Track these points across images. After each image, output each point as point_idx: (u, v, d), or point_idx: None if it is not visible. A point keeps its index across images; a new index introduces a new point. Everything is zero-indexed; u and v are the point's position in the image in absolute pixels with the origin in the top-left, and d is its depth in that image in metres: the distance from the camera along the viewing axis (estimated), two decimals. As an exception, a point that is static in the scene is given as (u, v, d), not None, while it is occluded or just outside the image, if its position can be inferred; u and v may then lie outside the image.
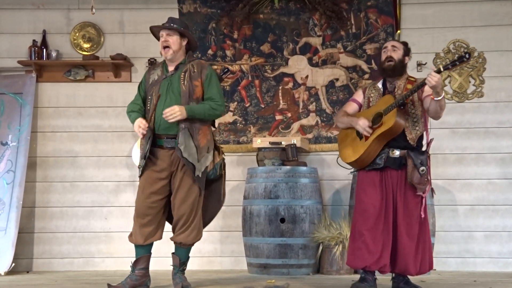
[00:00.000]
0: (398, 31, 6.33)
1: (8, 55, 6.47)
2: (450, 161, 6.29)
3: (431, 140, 4.57)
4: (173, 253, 4.70)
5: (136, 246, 4.65)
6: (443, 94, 4.34)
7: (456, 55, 4.49)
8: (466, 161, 6.28)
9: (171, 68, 4.68)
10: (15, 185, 6.14)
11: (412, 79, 4.57)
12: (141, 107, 4.71)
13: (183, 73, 4.62)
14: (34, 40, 6.40)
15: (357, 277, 4.66)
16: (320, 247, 5.78)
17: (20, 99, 6.36)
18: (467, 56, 4.27)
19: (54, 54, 6.40)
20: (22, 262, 6.24)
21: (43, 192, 6.39)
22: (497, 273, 5.95)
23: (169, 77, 4.63)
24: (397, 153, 4.44)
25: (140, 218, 4.60)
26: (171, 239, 4.67)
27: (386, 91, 4.57)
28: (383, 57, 4.57)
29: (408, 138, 4.45)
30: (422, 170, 4.38)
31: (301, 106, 6.38)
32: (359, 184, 4.56)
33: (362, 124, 4.45)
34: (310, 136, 6.34)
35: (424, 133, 4.55)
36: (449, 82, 6.33)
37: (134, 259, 4.67)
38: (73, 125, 6.46)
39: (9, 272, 5.90)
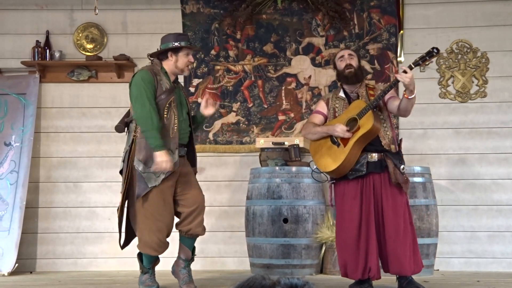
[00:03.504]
0: (401, 32, 6.33)
1: (11, 55, 6.48)
2: (453, 161, 6.28)
3: (401, 140, 4.65)
4: (182, 246, 4.75)
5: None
6: (415, 93, 4.38)
7: (425, 52, 4.52)
8: (469, 161, 6.28)
9: (172, 79, 4.75)
10: (19, 185, 6.15)
11: (371, 85, 4.71)
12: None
13: (181, 89, 4.82)
14: (37, 41, 6.41)
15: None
16: (323, 248, 5.78)
17: (24, 99, 6.37)
18: (435, 51, 4.37)
19: (57, 54, 6.41)
20: (25, 262, 6.25)
21: (47, 192, 6.39)
22: (500, 273, 5.94)
23: (175, 89, 4.72)
24: (375, 156, 4.50)
25: (163, 231, 4.61)
26: (185, 229, 4.66)
27: (350, 100, 4.65)
28: (342, 65, 4.67)
29: (383, 144, 4.53)
30: (403, 168, 4.46)
31: (304, 106, 6.38)
32: (339, 194, 4.58)
33: (340, 129, 4.48)
34: (313, 136, 6.33)
35: (393, 135, 4.62)
36: (452, 82, 6.33)
37: (147, 263, 4.76)
38: (76, 125, 6.47)
39: (13, 273, 5.90)
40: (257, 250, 5.77)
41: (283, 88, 6.41)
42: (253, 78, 6.42)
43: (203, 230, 4.71)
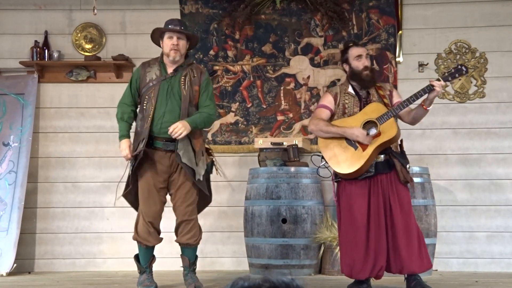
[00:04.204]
0: (400, 32, 6.33)
1: (10, 55, 6.48)
2: (452, 161, 6.29)
3: (401, 140, 4.62)
4: (181, 255, 4.74)
5: (147, 248, 4.71)
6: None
7: (453, 68, 4.53)
8: (468, 161, 6.28)
9: (170, 69, 4.69)
10: (17, 185, 6.15)
11: (379, 84, 4.65)
12: (132, 111, 4.76)
13: (183, 77, 4.66)
14: (36, 41, 6.40)
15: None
16: (322, 248, 5.78)
17: (22, 99, 6.36)
18: (464, 69, 4.39)
19: (56, 54, 6.41)
20: (24, 262, 6.24)
21: (45, 192, 6.39)
22: (499, 273, 5.95)
23: (168, 78, 4.65)
24: (382, 157, 4.49)
25: (151, 223, 4.66)
26: (177, 241, 4.71)
27: (360, 97, 4.57)
28: (360, 65, 4.55)
29: (391, 145, 4.51)
30: (409, 167, 4.49)
31: (302, 107, 6.38)
32: (346, 195, 4.53)
33: (361, 134, 4.40)
34: (311, 136, 6.33)
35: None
36: (451, 83, 6.33)
37: (145, 261, 4.74)
38: (75, 125, 6.46)
39: (11, 273, 5.90)
40: (255, 250, 5.77)
41: (282, 88, 6.41)
42: (251, 78, 6.42)
43: (194, 240, 4.69)
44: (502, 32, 6.31)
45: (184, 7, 6.45)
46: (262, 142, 6.05)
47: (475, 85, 6.32)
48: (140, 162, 4.61)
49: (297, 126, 6.36)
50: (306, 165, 6.00)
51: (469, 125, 6.31)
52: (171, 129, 4.48)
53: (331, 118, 4.59)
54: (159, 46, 4.82)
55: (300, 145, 5.97)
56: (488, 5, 6.33)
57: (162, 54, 4.78)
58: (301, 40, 6.41)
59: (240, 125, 6.40)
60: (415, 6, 6.38)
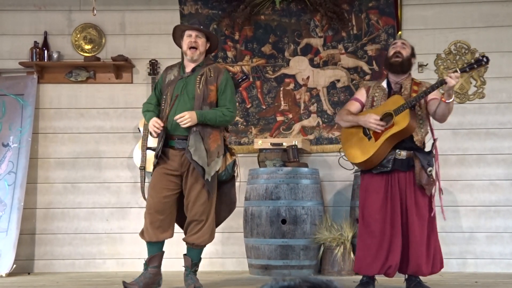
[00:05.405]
0: (399, 32, 6.33)
1: (9, 56, 6.47)
2: (452, 162, 6.29)
3: (435, 140, 4.57)
4: (185, 254, 4.74)
5: (149, 244, 4.68)
6: (453, 97, 4.34)
7: (473, 59, 4.47)
8: (467, 162, 6.28)
9: (188, 69, 4.73)
10: (17, 186, 6.14)
11: (417, 81, 4.58)
12: (156, 106, 4.78)
13: (199, 76, 4.65)
14: (35, 42, 6.40)
15: (358, 278, 4.67)
16: (321, 248, 5.78)
17: (22, 100, 6.36)
18: (484, 59, 4.25)
19: (55, 55, 6.40)
20: (23, 263, 6.24)
21: (45, 193, 6.39)
22: (498, 274, 5.95)
23: (185, 78, 4.68)
24: (404, 154, 4.44)
25: (152, 215, 4.63)
26: (184, 239, 4.71)
27: (391, 91, 4.56)
28: (391, 52, 4.57)
29: (415, 140, 4.45)
30: (430, 171, 4.40)
31: (302, 107, 6.38)
32: (363, 188, 4.57)
33: (373, 119, 4.41)
34: (311, 137, 6.33)
35: (430, 134, 4.57)
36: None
37: (147, 257, 4.69)
38: (74, 126, 6.46)
39: (10, 274, 5.89)
40: (255, 251, 5.77)
41: (282, 89, 6.41)
42: (251, 79, 6.42)
43: (201, 241, 4.65)
44: (501, 32, 6.31)
45: (184, 8, 6.45)
46: (261, 142, 6.05)
47: (475, 86, 6.32)
48: (157, 161, 4.66)
49: (296, 127, 6.36)
50: (306, 165, 5.99)
51: (468, 126, 6.31)
52: (177, 116, 4.51)
53: (361, 111, 4.65)
54: (180, 47, 4.84)
55: (299, 146, 5.97)
56: (487, 5, 6.33)
57: (182, 56, 4.84)
58: (301, 40, 6.41)
59: (239, 125, 6.40)
60: (415, 7, 6.38)
